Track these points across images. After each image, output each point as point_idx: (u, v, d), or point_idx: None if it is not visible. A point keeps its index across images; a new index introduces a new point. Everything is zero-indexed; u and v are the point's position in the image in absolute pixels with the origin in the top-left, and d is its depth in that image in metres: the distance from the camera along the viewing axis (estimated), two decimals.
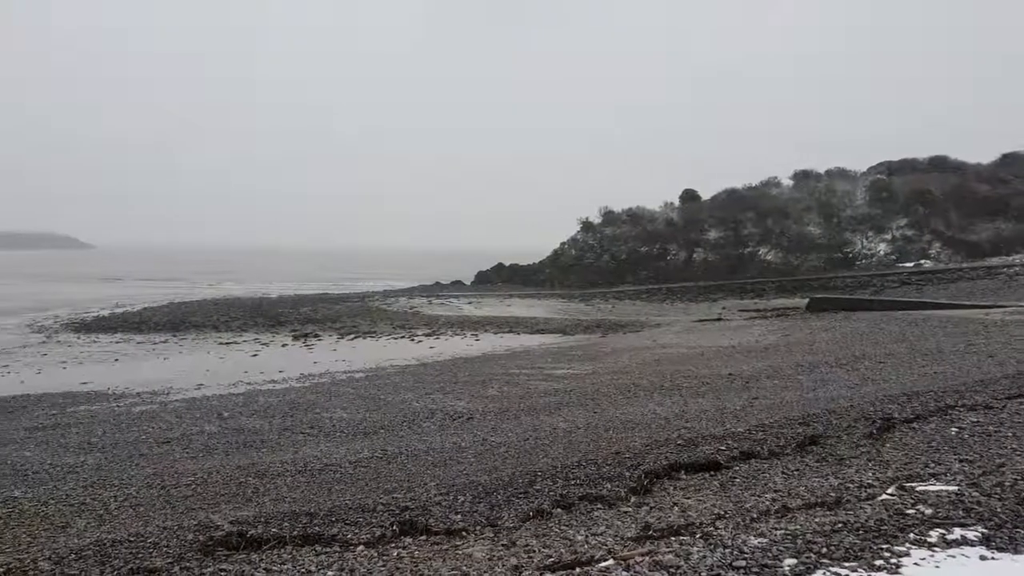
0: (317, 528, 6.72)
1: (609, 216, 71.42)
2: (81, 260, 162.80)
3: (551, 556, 5.53)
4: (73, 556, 6.12)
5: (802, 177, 71.16)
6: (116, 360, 27.29)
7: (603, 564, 5.04)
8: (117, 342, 33.06)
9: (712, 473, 8.11)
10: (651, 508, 6.92)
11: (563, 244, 71.35)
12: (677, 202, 72.20)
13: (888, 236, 59.46)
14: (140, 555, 6.10)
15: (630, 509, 6.94)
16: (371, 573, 5.38)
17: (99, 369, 24.72)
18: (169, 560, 5.89)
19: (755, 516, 6.35)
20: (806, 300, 37.65)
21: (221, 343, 32.19)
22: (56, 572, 5.71)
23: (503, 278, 68.18)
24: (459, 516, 7.05)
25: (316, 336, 34.09)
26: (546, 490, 7.87)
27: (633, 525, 6.36)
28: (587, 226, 70.84)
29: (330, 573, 5.40)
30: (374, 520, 7.00)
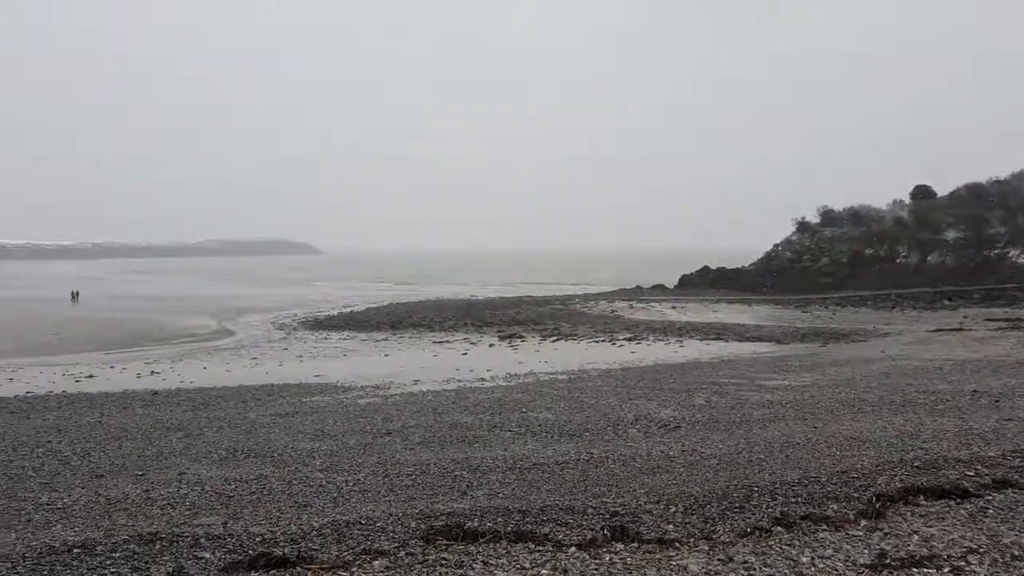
0: (529, 526, 6.84)
1: (828, 216, 66.57)
2: (314, 264, 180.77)
3: None
4: (315, 532, 6.73)
5: None
6: (344, 355, 29.93)
7: None
8: (344, 339, 36.26)
9: (958, 500, 7.23)
10: (885, 534, 6.30)
11: (776, 246, 67.58)
12: (907, 199, 65.66)
13: None
14: (370, 537, 6.57)
15: (860, 533, 6.37)
16: None
17: (329, 363, 27.22)
18: (395, 544, 6.28)
19: (1017, 554, 5.58)
20: None
21: (435, 342, 34.17)
22: (302, 546, 6.30)
23: (709, 282, 65.81)
24: (671, 526, 6.85)
25: (520, 337, 35.09)
26: (763, 506, 7.45)
27: (866, 551, 5.83)
28: (803, 227, 66.51)
29: (544, 572, 5.46)
30: (584, 522, 7.00)
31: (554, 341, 33.68)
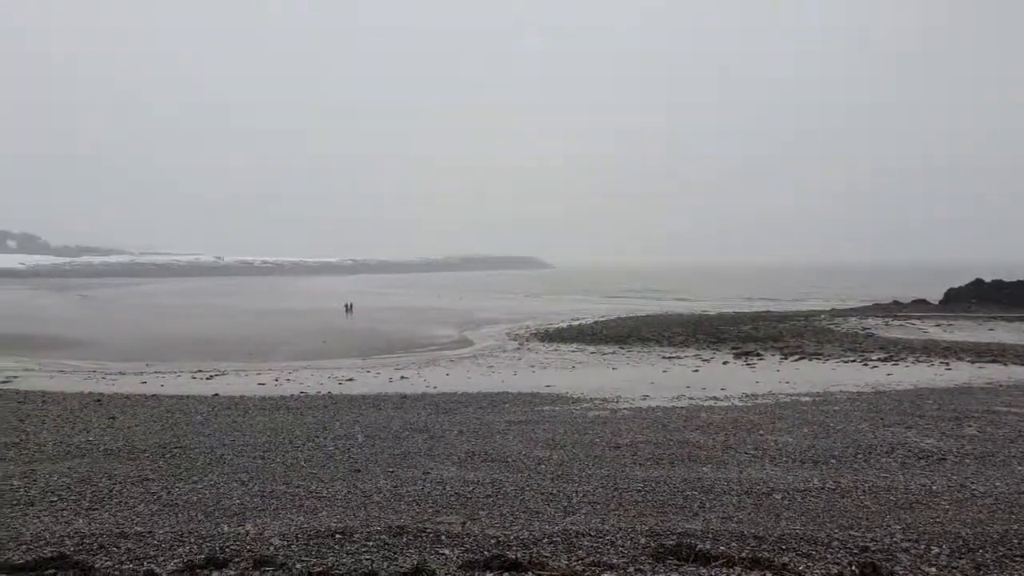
0: (766, 554, 6.45)
1: None
2: (545, 278, 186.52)
3: None
4: (545, 540, 6.89)
5: None
6: (573, 367, 30.45)
7: None
8: (573, 351, 36.91)
9: None
10: None
11: None
12: None
13: None
14: (599, 550, 6.58)
15: None
16: None
17: (559, 374, 27.82)
18: (624, 560, 6.23)
19: None
20: None
21: (664, 357, 33.60)
22: (532, 552, 6.48)
23: (982, 297, 57.99)
24: (933, 569, 6.10)
25: (757, 355, 33.37)
26: None
27: None
28: None
29: None
30: (828, 555, 6.46)
31: (796, 360, 31.57)
